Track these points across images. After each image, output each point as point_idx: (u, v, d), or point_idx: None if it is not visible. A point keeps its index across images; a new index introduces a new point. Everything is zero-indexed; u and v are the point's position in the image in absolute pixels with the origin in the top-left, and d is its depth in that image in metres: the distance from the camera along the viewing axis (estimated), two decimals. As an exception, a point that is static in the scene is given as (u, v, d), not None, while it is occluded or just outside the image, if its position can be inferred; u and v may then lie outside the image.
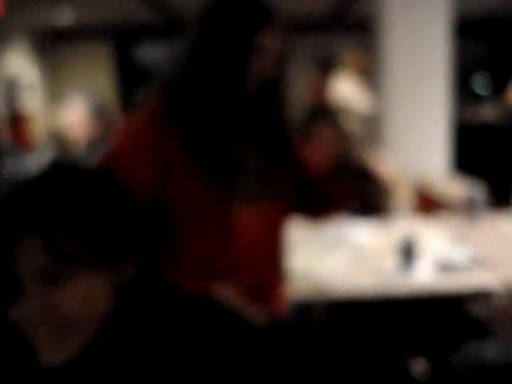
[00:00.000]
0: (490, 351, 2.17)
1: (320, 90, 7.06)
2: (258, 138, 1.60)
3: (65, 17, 8.73)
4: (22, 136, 8.62)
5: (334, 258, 2.33)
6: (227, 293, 1.39)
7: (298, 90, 8.60)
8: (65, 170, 0.95)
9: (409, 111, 4.27)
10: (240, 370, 0.92)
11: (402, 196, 3.34)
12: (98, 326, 0.91)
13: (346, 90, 5.53)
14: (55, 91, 9.90)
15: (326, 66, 7.03)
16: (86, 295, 0.90)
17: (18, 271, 0.90)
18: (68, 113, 3.59)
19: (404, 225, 2.64)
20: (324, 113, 3.35)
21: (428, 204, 3.39)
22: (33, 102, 9.16)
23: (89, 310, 0.90)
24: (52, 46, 10.18)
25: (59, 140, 4.42)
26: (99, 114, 3.56)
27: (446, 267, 2.29)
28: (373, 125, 4.91)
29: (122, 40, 10.23)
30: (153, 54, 10.12)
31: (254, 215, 1.58)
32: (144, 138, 1.48)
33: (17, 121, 8.67)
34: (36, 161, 3.89)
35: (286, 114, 1.62)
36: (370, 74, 5.23)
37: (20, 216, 0.90)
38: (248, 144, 1.58)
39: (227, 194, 1.54)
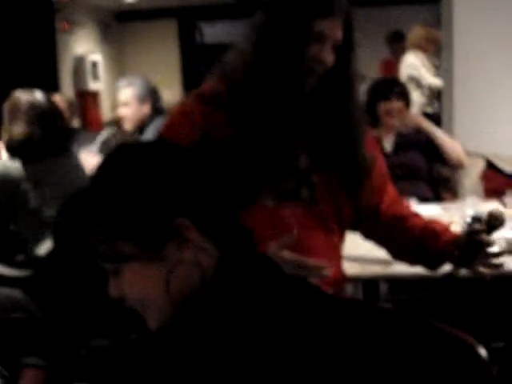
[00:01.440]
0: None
1: (390, 63, 6.92)
2: (316, 139, 1.56)
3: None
4: (90, 114, 8.81)
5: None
6: (274, 250, 1.37)
7: (369, 63, 8.46)
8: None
9: (478, 86, 4.12)
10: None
11: (472, 175, 3.25)
12: (169, 304, 0.96)
13: (416, 62, 5.39)
14: (121, 70, 10.07)
15: (396, 40, 6.85)
16: (139, 283, 0.96)
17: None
18: (118, 95, 3.60)
19: (473, 204, 2.57)
20: (394, 85, 3.27)
21: (499, 184, 3.28)
22: (99, 80, 9.32)
23: (150, 294, 0.96)
24: (118, 24, 10.33)
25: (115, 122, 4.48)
26: (144, 97, 3.52)
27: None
28: (442, 99, 4.78)
29: (186, 19, 10.26)
30: (218, 33, 10.12)
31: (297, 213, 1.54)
32: (192, 116, 1.52)
33: (85, 98, 8.85)
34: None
35: (355, 117, 1.57)
36: (439, 47, 5.08)
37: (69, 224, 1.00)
38: (304, 143, 1.56)
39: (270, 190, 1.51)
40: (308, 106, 1.54)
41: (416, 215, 1.73)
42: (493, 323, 2.58)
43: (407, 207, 1.76)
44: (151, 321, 0.99)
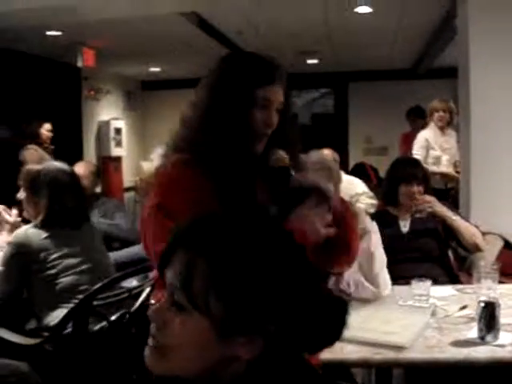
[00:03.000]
0: None
1: (408, 137, 6.93)
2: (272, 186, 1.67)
3: (154, 68, 9.06)
4: (112, 179, 8.91)
5: (413, 323, 2.23)
6: None
7: (390, 135, 8.36)
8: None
9: (496, 163, 4.10)
10: None
11: (488, 256, 3.20)
12: (193, 367, 0.95)
13: (433, 138, 5.42)
14: (143, 137, 10.22)
15: (416, 115, 6.88)
16: (188, 334, 0.94)
17: None
18: (147, 165, 3.61)
19: (488, 287, 2.52)
20: (417, 168, 3.24)
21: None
22: (122, 146, 9.45)
23: (186, 348, 0.94)
24: (142, 92, 10.56)
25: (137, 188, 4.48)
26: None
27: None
28: (459, 177, 4.77)
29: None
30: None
31: None
32: (181, 182, 1.61)
33: (107, 164, 8.97)
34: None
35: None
36: (456, 122, 5.12)
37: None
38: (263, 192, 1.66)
39: None
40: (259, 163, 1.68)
41: None
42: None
43: None
44: (164, 364, 0.96)
